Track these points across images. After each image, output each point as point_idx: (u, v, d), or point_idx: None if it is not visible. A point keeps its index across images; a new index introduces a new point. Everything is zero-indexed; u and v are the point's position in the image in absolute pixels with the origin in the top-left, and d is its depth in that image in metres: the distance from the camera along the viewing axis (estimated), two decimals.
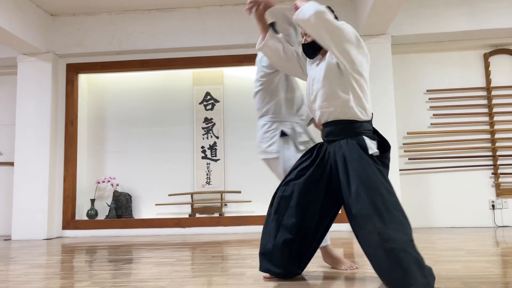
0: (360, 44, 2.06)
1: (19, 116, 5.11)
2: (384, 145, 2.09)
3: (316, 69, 2.19)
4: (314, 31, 2.00)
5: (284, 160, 2.43)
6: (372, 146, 2.01)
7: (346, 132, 2.05)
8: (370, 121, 2.10)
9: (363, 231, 1.92)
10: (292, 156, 2.43)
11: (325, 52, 2.15)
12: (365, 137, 2.03)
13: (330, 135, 2.12)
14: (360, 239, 1.97)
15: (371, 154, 1.99)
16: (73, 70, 5.31)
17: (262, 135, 2.51)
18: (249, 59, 5.12)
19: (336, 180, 2.07)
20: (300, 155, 2.31)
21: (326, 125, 2.14)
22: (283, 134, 2.44)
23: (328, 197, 2.14)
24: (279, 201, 2.17)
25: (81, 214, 5.27)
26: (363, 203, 1.90)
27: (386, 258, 1.81)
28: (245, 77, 5.41)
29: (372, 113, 2.14)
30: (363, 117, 2.06)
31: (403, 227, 1.87)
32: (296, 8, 2.04)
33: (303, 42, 2.24)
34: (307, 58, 2.31)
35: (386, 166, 2.08)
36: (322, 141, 2.22)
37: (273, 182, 5.49)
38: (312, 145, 2.40)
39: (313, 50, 2.20)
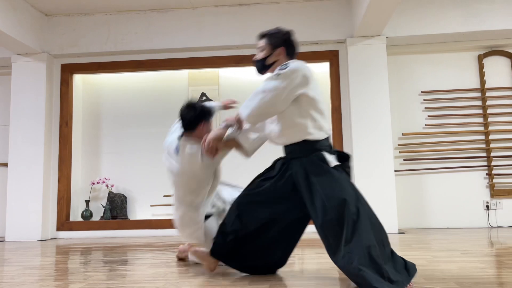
0: (307, 81, 2.11)
1: (13, 116, 5.08)
2: (343, 157, 2.18)
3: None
4: (262, 119, 2.19)
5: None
6: (332, 160, 2.11)
7: (307, 151, 2.14)
8: (327, 138, 2.20)
9: (329, 241, 2.01)
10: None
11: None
12: (324, 153, 2.12)
13: (292, 153, 2.22)
14: (327, 248, 2.05)
15: (334, 166, 2.08)
16: (68, 71, 5.29)
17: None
18: (245, 60, 5.12)
19: (300, 195, 2.15)
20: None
21: (287, 146, 2.23)
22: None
23: (287, 209, 2.23)
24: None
25: (75, 215, 5.24)
26: (329, 214, 1.98)
27: (351, 274, 1.90)
28: (240, 78, 5.41)
29: (330, 131, 2.23)
30: (321, 137, 2.15)
31: (367, 233, 1.93)
32: (238, 120, 2.22)
33: (254, 59, 2.30)
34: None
35: (348, 175, 2.18)
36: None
37: None
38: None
39: (261, 67, 2.29)
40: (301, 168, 2.13)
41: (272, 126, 2.23)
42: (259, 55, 2.28)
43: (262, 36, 2.30)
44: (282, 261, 2.37)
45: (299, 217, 2.25)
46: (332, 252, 2.00)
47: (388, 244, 2.00)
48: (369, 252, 1.86)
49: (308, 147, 2.14)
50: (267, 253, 2.29)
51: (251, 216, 2.25)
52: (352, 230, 1.91)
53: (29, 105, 5.07)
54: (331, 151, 2.16)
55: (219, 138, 2.26)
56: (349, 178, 2.15)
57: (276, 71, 2.13)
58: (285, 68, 2.11)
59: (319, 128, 2.14)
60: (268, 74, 2.27)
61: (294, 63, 2.15)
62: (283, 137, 2.21)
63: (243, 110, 2.13)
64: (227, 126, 2.29)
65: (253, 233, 2.25)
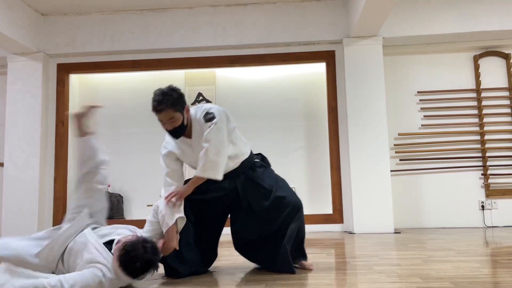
0: (229, 116, 2.45)
1: (9, 116, 5.06)
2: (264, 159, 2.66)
3: (195, 148, 2.38)
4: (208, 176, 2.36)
5: None
6: (264, 164, 2.58)
7: (242, 169, 2.45)
8: (251, 153, 2.56)
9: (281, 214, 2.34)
10: None
11: (190, 127, 2.38)
12: (256, 163, 2.53)
13: (231, 174, 2.43)
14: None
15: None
16: (64, 70, 5.27)
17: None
18: (241, 60, 5.13)
19: (243, 195, 2.43)
20: None
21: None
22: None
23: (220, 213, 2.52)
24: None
25: None
26: (285, 191, 2.41)
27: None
28: (237, 78, 5.41)
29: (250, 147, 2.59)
30: (246, 156, 2.48)
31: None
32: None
33: (169, 129, 2.37)
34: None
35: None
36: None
37: None
38: None
39: (182, 131, 2.37)
40: (242, 178, 2.45)
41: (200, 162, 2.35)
42: (177, 124, 2.31)
43: (163, 108, 2.28)
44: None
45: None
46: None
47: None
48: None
49: (242, 166, 2.46)
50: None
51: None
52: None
53: (25, 104, 5.05)
54: (259, 162, 2.57)
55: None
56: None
57: (209, 122, 2.30)
58: (213, 117, 2.31)
59: (242, 152, 2.47)
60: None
61: (212, 108, 2.37)
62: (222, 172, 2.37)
63: (213, 174, 2.30)
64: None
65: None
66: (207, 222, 2.48)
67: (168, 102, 2.26)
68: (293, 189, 2.57)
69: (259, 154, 2.67)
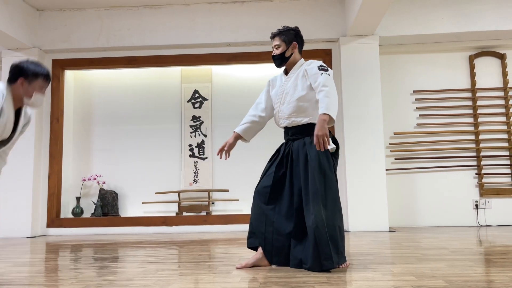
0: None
1: None
2: (336, 142, 2.53)
3: (288, 85, 2.59)
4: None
5: None
6: (331, 143, 2.39)
7: (309, 131, 2.49)
8: None
9: (310, 208, 2.35)
10: None
11: (291, 64, 2.63)
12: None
13: (295, 135, 2.57)
14: (306, 213, 2.38)
15: (328, 150, 2.41)
16: (59, 66, 5.24)
17: None
18: (237, 58, 5.12)
19: (296, 168, 2.50)
20: None
21: (291, 128, 2.57)
22: None
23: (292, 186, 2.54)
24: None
25: (66, 212, 5.20)
26: (316, 186, 2.36)
27: (320, 231, 2.29)
28: (233, 75, 5.41)
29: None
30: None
31: (338, 215, 2.41)
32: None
33: (273, 54, 2.64)
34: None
35: (337, 159, 2.55)
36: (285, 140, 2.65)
37: None
38: None
39: (280, 61, 2.64)
40: (303, 145, 2.48)
41: (282, 107, 2.58)
42: (278, 51, 2.61)
43: (276, 34, 2.63)
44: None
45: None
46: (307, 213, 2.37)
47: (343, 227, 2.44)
48: (338, 226, 2.37)
49: (311, 129, 2.45)
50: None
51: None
52: (330, 204, 2.38)
53: None
54: (330, 135, 2.42)
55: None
56: (337, 162, 2.53)
57: (323, 72, 2.48)
58: (327, 70, 2.51)
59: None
60: (283, 68, 2.70)
61: (325, 66, 2.55)
62: (291, 119, 2.55)
63: (332, 111, 2.34)
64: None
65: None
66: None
67: (282, 32, 2.62)
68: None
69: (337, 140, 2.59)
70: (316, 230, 2.28)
